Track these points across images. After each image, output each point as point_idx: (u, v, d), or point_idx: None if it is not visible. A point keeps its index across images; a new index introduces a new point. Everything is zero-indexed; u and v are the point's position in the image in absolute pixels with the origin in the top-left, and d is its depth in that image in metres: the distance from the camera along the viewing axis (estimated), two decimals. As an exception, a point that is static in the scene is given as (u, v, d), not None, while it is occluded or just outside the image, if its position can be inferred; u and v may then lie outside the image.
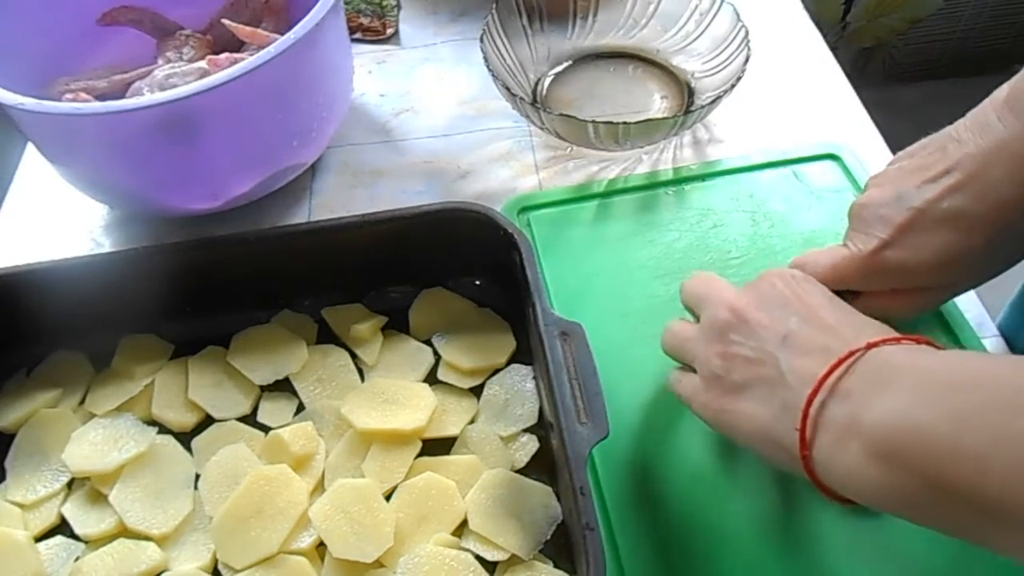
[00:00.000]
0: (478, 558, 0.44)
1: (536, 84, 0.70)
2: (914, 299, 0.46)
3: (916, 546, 0.44)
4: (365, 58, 0.75)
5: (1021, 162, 0.41)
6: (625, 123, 0.58)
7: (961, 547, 0.43)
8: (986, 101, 0.43)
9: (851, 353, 0.36)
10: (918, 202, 0.43)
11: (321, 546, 0.45)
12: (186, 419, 0.51)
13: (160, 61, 0.63)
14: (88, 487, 0.48)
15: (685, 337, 0.45)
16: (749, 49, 0.63)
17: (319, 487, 0.47)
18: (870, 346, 0.36)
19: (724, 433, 0.42)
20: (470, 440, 0.49)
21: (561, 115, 0.59)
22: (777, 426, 0.37)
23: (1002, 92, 0.43)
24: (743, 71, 0.61)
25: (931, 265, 0.44)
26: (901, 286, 0.45)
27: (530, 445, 0.49)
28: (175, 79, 0.58)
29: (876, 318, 0.39)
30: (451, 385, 0.51)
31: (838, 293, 0.46)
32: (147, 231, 0.63)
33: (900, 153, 0.47)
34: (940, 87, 1.66)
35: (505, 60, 0.67)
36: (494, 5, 0.67)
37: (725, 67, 0.65)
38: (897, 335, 0.37)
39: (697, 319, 0.45)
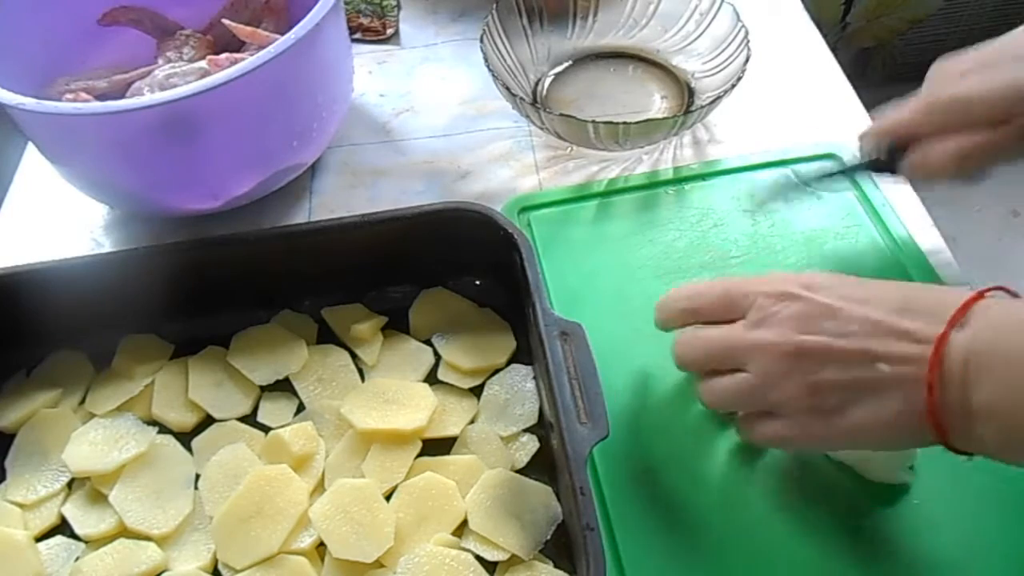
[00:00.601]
0: (478, 558, 0.44)
1: (536, 84, 0.70)
2: (978, 137, 0.46)
3: (916, 545, 0.44)
4: (365, 58, 0.75)
5: None
6: (625, 123, 0.58)
7: (962, 547, 0.43)
8: None
9: (953, 321, 0.36)
10: (988, 47, 0.45)
11: (321, 546, 0.45)
12: (186, 419, 0.51)
13: (160, 61, 0.63)
14: (88, 487, 0.48)
15: (739, 341, 0.42)
16: (749, 49, 0.63)
17: (319, 487, 0.47)
18: (956, 319, 0.36)
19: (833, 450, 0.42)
20: (470, 440, 0.49)
21: (561, 115, 0.59)
22: (902, 422, 0.37)
23: None
24: (743, 71, 0.61)
25: (999, 95, 0.44)
26: (969, 121, 0.45)
27: (530, 445, 0.49)
28: (175, 79, 0.58)
29: (932, 177, 0.42)
30: (451, 385, 0.51)
31: (901, 149, 0.47)
32: (147, 231, 0.63)
33: None
34: (940, 87, 1.66)
35: (505, 60, 0.67)
36: (494, 5, 0.67)
37: (725, 67, 0.65)
38: (970, 295, 0.37)
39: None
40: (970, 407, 0.35)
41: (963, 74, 0.46)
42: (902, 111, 0.49)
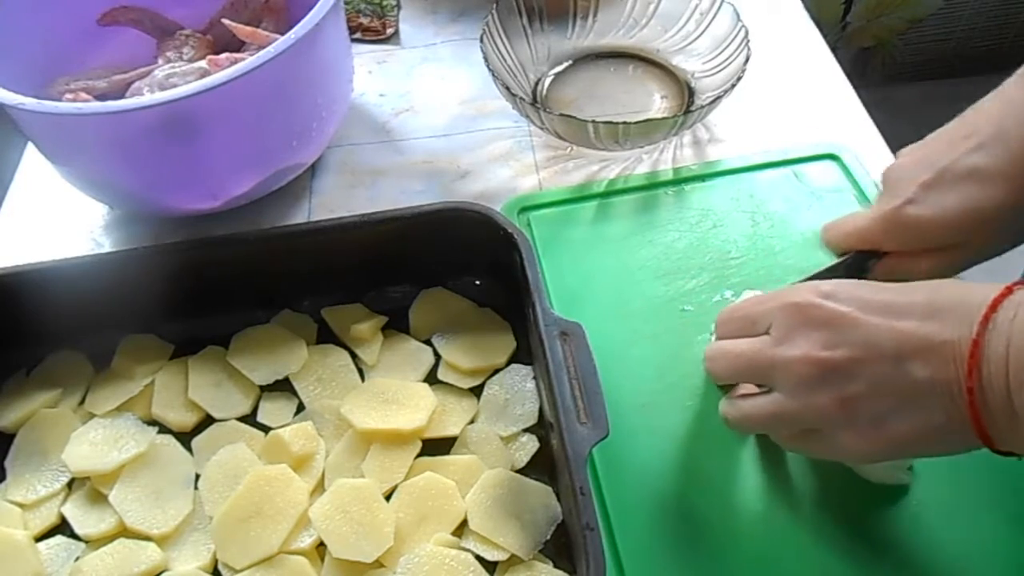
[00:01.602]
0: (478, 558, 0.44)
1: (536, 84, 0.70)
2: (939, 258, 0.46)
3: (916, 546, 0.44)
4: (365, 58, 0.75)
5: None
6: (625, 123, 0.58)
7: (961, 547, 0.43)
8: (1008, 79, 0.46)
9: (985, 320, 0.35)
10: (941, 163, 0.45)
11: (321, 546, 0.45)
12: (186, 419, 0.51)
13: (160, 61, 0.63)
14: (88, 487, 0.48)
15: (763, 359, 0.41)
16: (749, 49, 0.63)
17: (319, 487, 0.47)
18: (988, 315, 0.35)
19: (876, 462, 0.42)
20: (470, 440, 0.49)
21: (561, 115, 0.59)
22: (945, 430, 0.37)
23: (1021, 69, 0.45)
24: (743, 71, 0.61)
25: (953, 221, 0.44)
26: (921, 245, 0.46)
27: (530, 445, 0.49)
28: (175, 79, 0.58)
29: (898, 281, 0.40)
30: (451, 385, 0.51)
31: (862, 255, 0.47)
32: (147, 231, 0.63)
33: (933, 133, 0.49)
34: (940, 87, 1.66)
35: (505, 60, 0.67)
36: (494, 5, 0.67)
37: (725, 67, 0.65)
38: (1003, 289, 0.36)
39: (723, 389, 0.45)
40: (1013, 408, 0.34)
41: (920, 189, 0.46)
42: (862, 222, 0.50)
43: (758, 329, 0.43)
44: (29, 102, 0.50)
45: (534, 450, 0.48)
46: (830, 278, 0.42)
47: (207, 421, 0.51)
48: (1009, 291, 0.35)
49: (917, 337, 0.37)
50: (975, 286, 0.37)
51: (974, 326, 0.35)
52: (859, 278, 0.46)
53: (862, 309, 0.39)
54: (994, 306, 0.35)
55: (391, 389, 0.50)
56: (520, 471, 0.47)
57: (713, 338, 0.51)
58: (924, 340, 0.36)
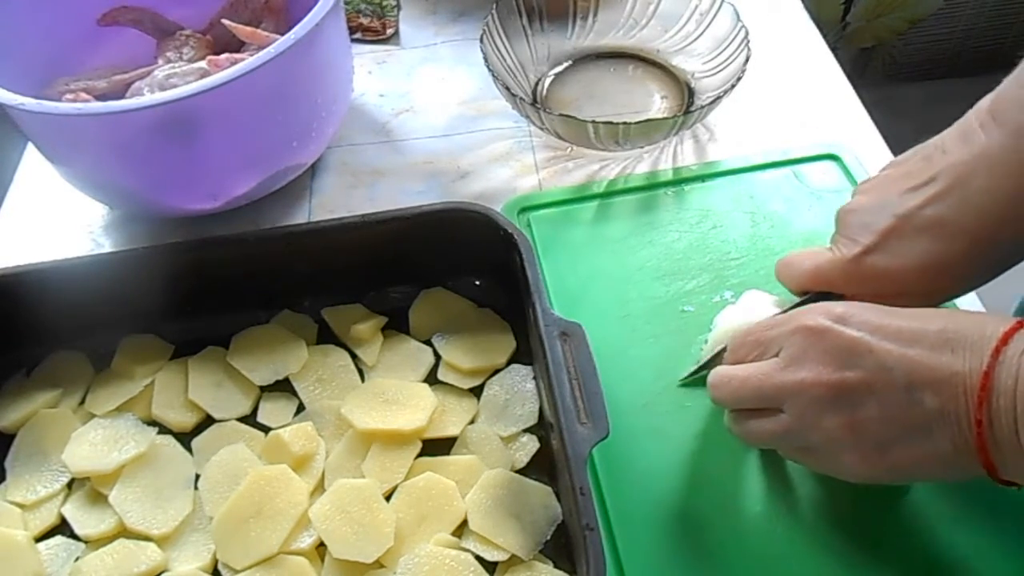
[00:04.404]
0: (478, 558, 0.44)
1: (536, 84, 0.70)
2: (903, 303, 0.46)
3: (916, 546, 0.44)
4: (365, 58, 0.75)
5: (1001, 172, 0.41)
6: (625, 123, 0.58)
7: (962, 548, 0.44)
8: (971, 111, 0.44)
9: (996, 353, 0.35)
10: (901, 209, 0.43)
11: (321, 546, 0.45)
12: (186, 419, 0.51)
13: (160, 61, 0.63)
14: (88, 487, 0.48)
15: (772, 383, 0.41)
16: (749, 49, 0.63)
17: (319, 487, 0.47)
18: (1001, 346, 0.35)
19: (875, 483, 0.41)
20: (470, 440, 0.49)
21: (561, 115, 0.59)
22: (951, 459, 0.37)
23: (985, 102, 0.43)
24: (743, 71, 0.61)
25: (913, 272, 0.43)
26: (883, 292, 0.44)
27: (530, 445, 0.49)
28: (175, 79, 0.58)
29: None
30: (451, 385, 0.51)
31: (820, 295, 0.46)
32: (147, 231, 0.63)
33: (889, 161, 0.47)
34: (940, 87, 1.66)
35: (505, 60, 0.67)
36: (494, 5, 0.67)
37: (725, 67, 0.65)
38: (1011, 325, 0.36)
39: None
40: (1019, 441, 0.34)
41: (879, 238, 0.44)
42: (822, 264, 0.46)
43: (768, 354, 0.42)
44: (29, 102, 0.50)
45: (534, 450, 0.48)
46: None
47: (207, 421, 0.51)
48: (1021, 325, 0.36)
49: (928, 367, 0.37)
50: (988, 318, 0.37)
51: (985, 359, 0.35)
52: None
53: (874, 334, 0.38)
54: (1005, 339, 0.35)
55: (391, 389, 0.50)
56: (520, 471, 0.47)
57: (708, 344, 0.51)
58: (935, 370, 0.36)
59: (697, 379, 0.50)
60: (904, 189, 0.44)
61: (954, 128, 0.44)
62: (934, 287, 0.44)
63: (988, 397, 0.35)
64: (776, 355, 0.42)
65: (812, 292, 0.47)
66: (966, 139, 0.42)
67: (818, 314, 0.41)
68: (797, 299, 0.49)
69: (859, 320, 0.39)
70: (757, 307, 0.49)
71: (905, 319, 0.39)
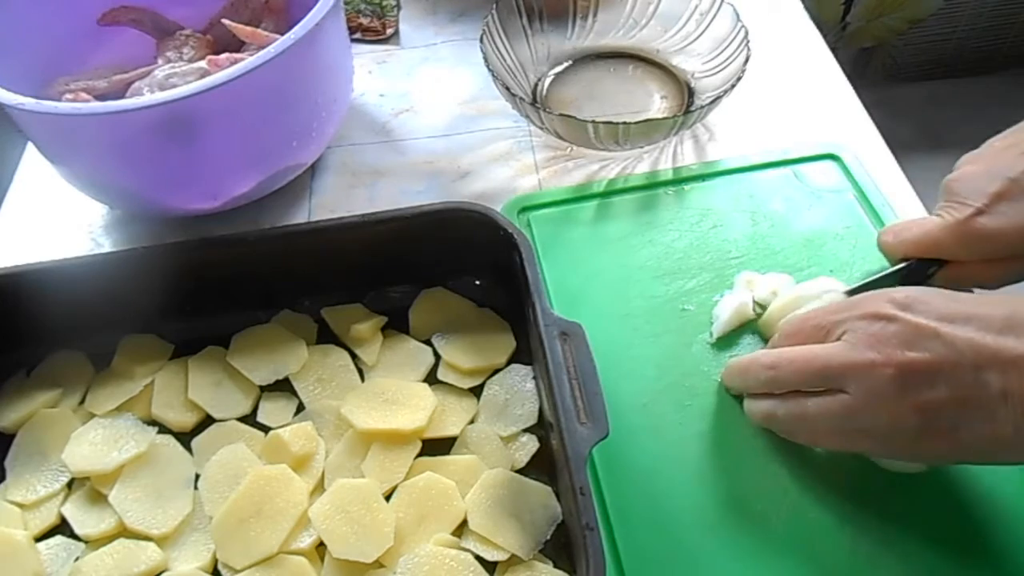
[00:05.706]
0: (478, 558, 0.44)
1: (536, 84, 0.70)
2: (1006, 267, 0.46)
3: (918, 545, 0.44)
4: (365, 58, 0.75)
5: None
6: (625, 123, 0.58)
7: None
8: None
9: None
10: (1012, 173, 0.45)
11: (321, 546, 0.45)
12: (186, 419, 0.51)
13: (160, 61, 0.63)
14: (88, 487, 0.48)
15: (838, 362, 0.41)
16: (749, 49, 0.63)
17: (319, 487, 0.47)
18: None
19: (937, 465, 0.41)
20: (470, 440, 0.49)
21: (561, 115, 0.59)
22: (1016, 440, 0.37)
23: None
24: (743, 71, 0.61)
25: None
26: (992, 255, 0.45)
27: (530, 445, 0.49)
28: (175, 79, 0.58)
29: (963, 288, 0.40)
30: (451, 385, 0.51)
31: (923, 262, 0.47)
32: (147, 231, 0.63)
33: (993, 137, 0.49)
34: (940, 87, 1.66)
35: (505, 60, 0.67)
36: (494, 5, 0.67)
37: (725, 67, 0.65)
38: None
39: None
40: None
41: (990, 200, 0.45)
42: (931, 231, 0.48)
43: (831, 338, 0.43)
44: (29, 102, 0.50)
45: (534, 450, 0.48)
46: (887, 285, 0.43)
47: (207, 421, 0.51)
48: None
49: (993, 350, 0.37)
50: None
51: None
52: (919, 285, 0.47)
53: (940, 320, 0.39)
54: None
55: (391, 389, 0.50)
56: (520, 471, 0.47)
57: (709, 339, 0.51)
58: (1000, 353, 0.37)
59: (697, 379, 0.51)
60: (1011, 156, 0.45)
61: None
62: None
63: None
64: (838, 339, 0.42)
65: (913, 260, 0.48)
66: None
67: (883, 300, 0.41)
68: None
69: (923, 307, 0.40)
70: (825, 292, 0.50)
71: (970, 305, 0.39)
